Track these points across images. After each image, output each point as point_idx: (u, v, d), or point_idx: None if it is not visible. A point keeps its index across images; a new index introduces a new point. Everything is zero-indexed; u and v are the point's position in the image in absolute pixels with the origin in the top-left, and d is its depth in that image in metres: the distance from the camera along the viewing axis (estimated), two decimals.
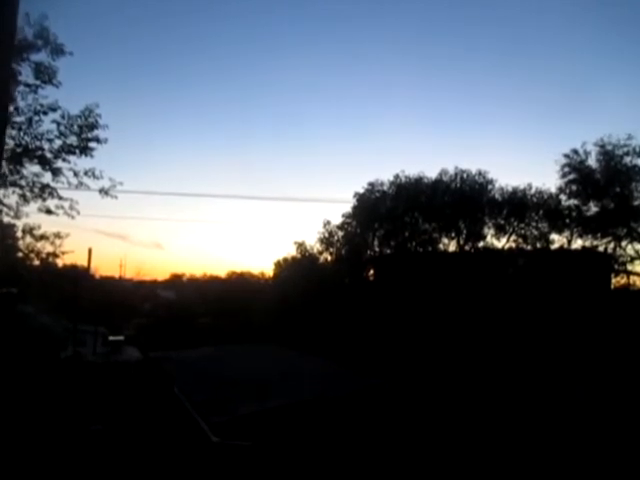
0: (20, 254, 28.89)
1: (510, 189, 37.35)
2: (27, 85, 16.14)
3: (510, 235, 37.43)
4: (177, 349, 44.13)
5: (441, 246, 39.22)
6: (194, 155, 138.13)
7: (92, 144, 17.11)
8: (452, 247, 39.06)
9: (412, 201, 37.71)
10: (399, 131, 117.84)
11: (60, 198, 17.06)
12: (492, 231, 38.17)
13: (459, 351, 31.02)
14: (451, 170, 38.09)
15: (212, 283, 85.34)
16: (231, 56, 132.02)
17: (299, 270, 43.72)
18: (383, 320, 35.61)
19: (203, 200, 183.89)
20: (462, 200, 36.49)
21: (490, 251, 37.69)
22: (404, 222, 39.09)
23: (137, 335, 57.25)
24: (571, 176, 33.74)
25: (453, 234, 38.58)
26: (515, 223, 37.24)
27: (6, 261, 27.55)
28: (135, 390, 26.06)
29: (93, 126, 16.93)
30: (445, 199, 37.33)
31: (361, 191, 40.48)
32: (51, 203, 17.25)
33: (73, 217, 17.35)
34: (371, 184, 40.30)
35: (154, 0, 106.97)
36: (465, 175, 37.73)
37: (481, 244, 38.37)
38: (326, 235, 43.04)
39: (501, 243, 37.82)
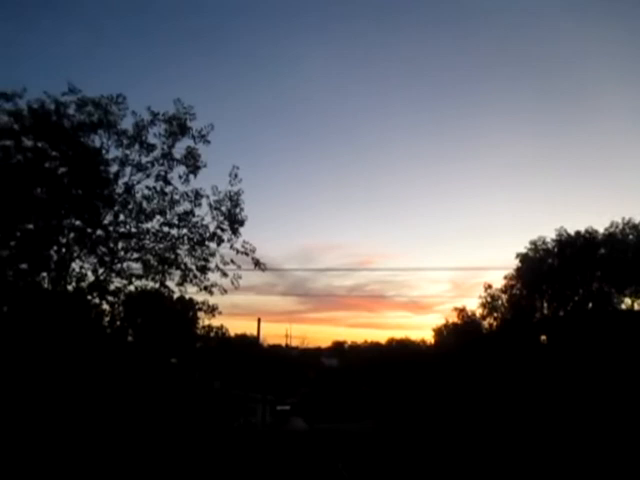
0: (195, 327, 31.60)
1: None
2: (180, 176, 17.77)
3: None
4: (340, 420, 44.11)
5: (623, 306, 34.69)
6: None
7: (238, 226, 18.23)
8: (637, 306, 34.31)
9: (583, 258, 34.20)
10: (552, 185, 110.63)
11: (225, 275, 18.24)
12: None
13: None
14: (620, 221, 34.24)
15: (373, 350, 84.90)
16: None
17: (460, 337, 41.57)
18: (561, 392, 31.87)
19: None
20: None
21: None
22: (575, 281, 35.44)
23: (302, 403, 58.54)
24: None
25: (638, 292, 33.97)
26: None
27: (183, 333, 30.25)
28: (302, 463, 26.14)
29: (238, 206, 18.12)
30: (621, 253, 33.27)
31: (523, 251, 37.87)
32: (213, 278, 18.36)
33: (237, 287, 18.39)
34: (533, 243, 37.53)
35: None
36: None
37: None
38: (488, 299, 40.62)
39: None
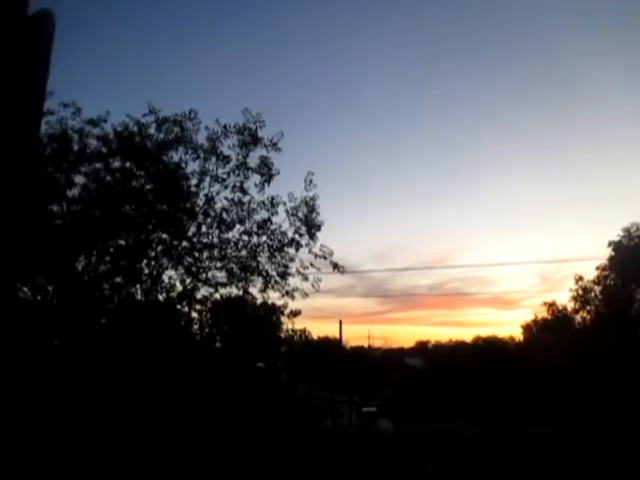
0: (279, 331, 32.15)
1: None
2: (256, 185, 18.13)
3: None
4: (428, 421, 43.32)
5: None
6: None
7: (315, 231, 18.38)
8: None
9: None
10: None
11: (305, 279, 18.47)
12: None
13: None
14: None
15: (458, 349, 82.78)
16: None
17: (552, 333, 39.64)
18: None
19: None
20: None
21: None
22: None
23: (387, 404, 58.04)
24: None
25: None
26: None
27: (268, 338, 30.86)
28: (390, 464, 25.97)
29: (314, 211, 18.27)
30: None
31: (616, 239, 35.60)
32: (294, 283, 18.62)
33: (317, 290, 18.55)
34: (627, 230, 35.21)
35: None
36: None
37: None
38: (580, 292, 38.51)
39: None
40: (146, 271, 18.14)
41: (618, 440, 27.27)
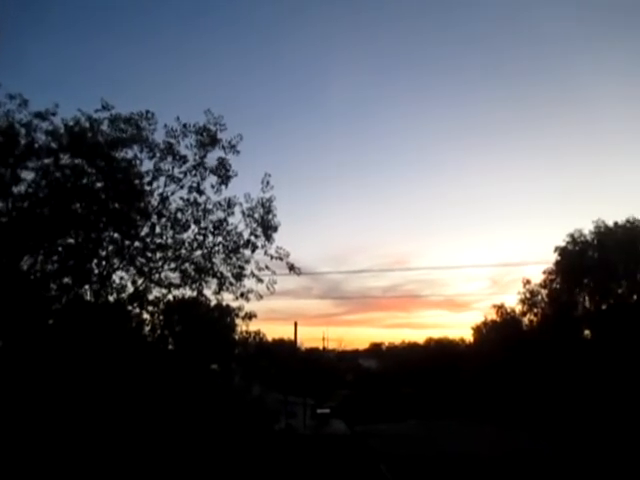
0: (233, 334, 31.92)
1: None
2: (212, 186, 17.96)
3: None
4: (381, 421, 43.85)
5: None
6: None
7: (272, 232, 18.35)
8: None
9: (624, 249, 33.20)
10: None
11: (260, 280, 18.39)
12: None
13: None
14: None
15: (411, 350, 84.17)
16: None
17: (500, 334, 40.90)
18: (606, 386, 30.95)
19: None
20: None
21: None
22: (618, 273, 34.46)
23: (342, 406, 58.39)
24: None
25: None
26: None
27: (222, 340, 30.59)
28: (343, 465, 26.15)
29: (271, 212, 18.23)
30: None
31: (562, 244, 37.06)
32: (249, 284, 18.53)
33: (273, 292, 18.50)
34: (571, 236, 36.70)
35: None
36: None
37: None
38: (527, 295, 39.90)
39: None
40: (96, 271, 17.68)
41: (561, 433, 28.48)
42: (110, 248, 17.82)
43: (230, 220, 18.35)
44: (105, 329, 17.01)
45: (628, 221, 34.50)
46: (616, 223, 34.97)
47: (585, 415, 30.86)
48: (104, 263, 17.76)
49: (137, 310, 19.32)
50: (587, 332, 39.34)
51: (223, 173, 18.02)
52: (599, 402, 30.79)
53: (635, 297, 34.84)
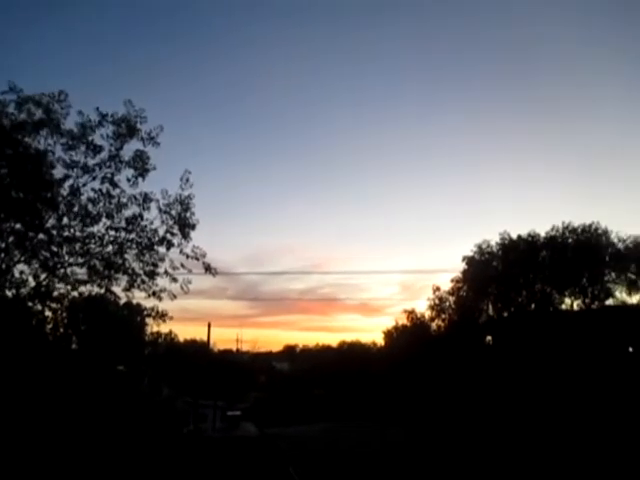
0: (143, 334, 30.87)
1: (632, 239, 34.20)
2: (128, 179, 17.34)
3: None
4: (293, 424, 44.01)
5: (563, 306, 36.29)
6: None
7: (189, 230, 17.92)
8: (576, 306, 35.95)
9: (525, 260, 35.56)
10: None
11: (174, 280, 17.88)
12: (621, 287, 34.75)
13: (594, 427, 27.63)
14: (559, 225, 35.93)
15: (324, 353, 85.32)
16: None
17: (410, 339, 42.34)
18: (502, 389, 33.01)
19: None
20: (580, 256, 33.82)
21: (622, 309, 34.15)
22: (518, 283, 36.78)
23: (253, 408, 58.04)
24: None
25: (576, 292, 35.60)
26: None
27: (131, 340, 29.52)
28: (251, 467, 26.00)
29: (189, 210, 17.80)
30: (561, 256, 34.80)
31: (470, 254, 38.95)
32: (162, 283, 17.96)
33: (187, 292, 18.02)
34: (479, 246, 38.69)
35: None
36: (580, 230, 35.27)
37: (610, 301, 34.97)
38: (436, 301, 41.54)
39: (634, 299, 34.18)
40: None
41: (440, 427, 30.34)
42: (10, 239, 16.63)
43: (146, 215, 17.70)
44: (1, 325, 15.85)
45: (529, 235, 36.86)
46: (519, 236, 37.25)
47: (476, 411, 32.72)
48: (3, 255, 16.55)
49: (39, 307, 18.13)
50: (489, 338, 41.66)
51: (140, 166, 17.36)
52: (493, 400, 32.79)
53: (533, 306, 37.22)
